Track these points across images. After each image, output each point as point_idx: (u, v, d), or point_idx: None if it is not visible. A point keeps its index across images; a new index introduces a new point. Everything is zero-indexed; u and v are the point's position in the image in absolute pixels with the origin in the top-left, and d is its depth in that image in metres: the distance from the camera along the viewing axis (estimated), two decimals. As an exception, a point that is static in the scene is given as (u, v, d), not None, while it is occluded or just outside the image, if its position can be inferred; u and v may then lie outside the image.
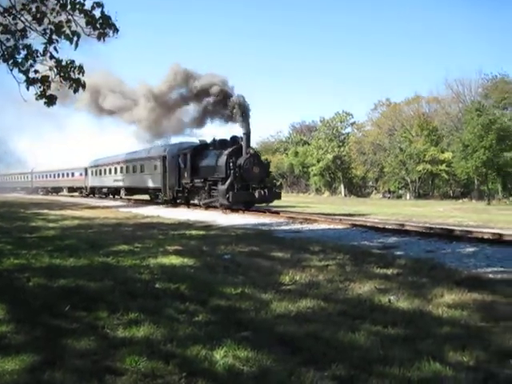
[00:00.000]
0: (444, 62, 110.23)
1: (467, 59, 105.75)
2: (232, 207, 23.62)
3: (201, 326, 5.24)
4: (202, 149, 27.92)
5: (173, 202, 30.39)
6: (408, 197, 62.74)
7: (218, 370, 4.11)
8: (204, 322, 5.39)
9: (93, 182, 49.12)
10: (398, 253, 10.35)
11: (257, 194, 22.95)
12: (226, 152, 24.48)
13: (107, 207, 30.35)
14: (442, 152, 58.63)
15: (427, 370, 4.06)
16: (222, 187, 23.57)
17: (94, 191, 49.73)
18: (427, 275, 7.85)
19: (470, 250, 10.77)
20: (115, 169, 41.88)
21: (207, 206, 26.10)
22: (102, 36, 7.67)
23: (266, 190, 23.35)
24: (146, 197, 37.14)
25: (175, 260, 9.28)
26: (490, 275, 8.03)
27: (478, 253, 10.34)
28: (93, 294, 6.56)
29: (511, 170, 50.01)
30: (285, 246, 11.36)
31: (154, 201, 34.16)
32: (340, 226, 16.37)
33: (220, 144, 26.58)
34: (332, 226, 16.42)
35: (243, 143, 24.04)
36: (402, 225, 16.24)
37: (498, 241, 11.90)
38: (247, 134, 24.20)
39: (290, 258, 9.66)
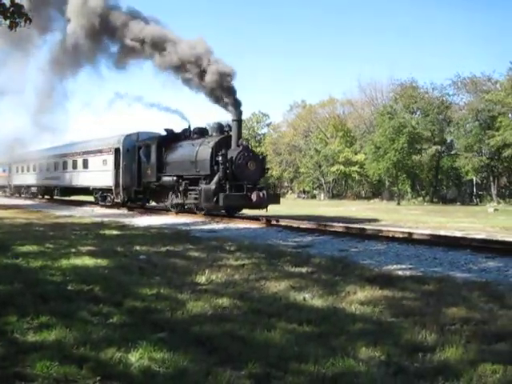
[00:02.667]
0: (357, 65, 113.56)
1: (379, 63, 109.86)
2: (217, 212, 19.99)
3: (115, 328, 5.12)
4: (171, 139, 23.00)
5: (128, 205, 25.72)
6: (322, 197, 64.25)
7: (134, 372, 4.03)
8: (119, 324, 5.28)
9: (19, 179, 42.20)
10: (313, 251, 10.57)
11: (254, 197, 18.10)
12: (211, 143, 19.75)
13: (19, 207, 28.85)
14: (355, 154, 60.50)
15: (341, 365, 4.15)
16: (206, 187, 18.74)
17: (20, 191, 42.52)
18: (340, 273, 8.06)
19: (381, 248, 11.17)
20: (47, 164, 35.54)
21: (179, 211, 21.51)
22: (13, 26, 7.39)
23: (264, 192, 18.67)
24: (90, 198, 31.07)
25: (88, 261, 9.01)
26: (400, 272, 8.36)
27: (389, 251, 10.74)
28: (1, 298, 6.27)
29: (419, 171, 52.42)
30: (201, 245, 11.35)
31: (99, 203, 28.32)
32: (256, 226, 16.51)
33: (197, 133, 22.30)
34: (248, 226, 16.54)
35: (233, 133, 19.52)
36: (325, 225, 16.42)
37: (407, 239, 12.40)
38: (238, 121, 19.72)
39: (206, 257, 9.64)
